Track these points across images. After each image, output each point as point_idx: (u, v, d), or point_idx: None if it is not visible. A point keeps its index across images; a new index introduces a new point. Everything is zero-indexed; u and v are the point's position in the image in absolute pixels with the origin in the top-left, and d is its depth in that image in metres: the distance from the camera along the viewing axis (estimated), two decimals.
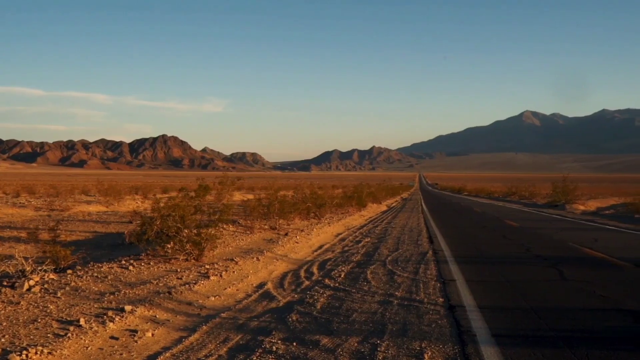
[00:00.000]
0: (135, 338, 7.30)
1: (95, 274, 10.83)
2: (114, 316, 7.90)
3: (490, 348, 6.93)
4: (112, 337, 7.26)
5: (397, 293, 10.30)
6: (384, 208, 47.44)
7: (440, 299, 9.79)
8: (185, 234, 12.99)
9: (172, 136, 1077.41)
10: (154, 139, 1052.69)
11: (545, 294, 10.27)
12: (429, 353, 6.81)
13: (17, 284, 9.50)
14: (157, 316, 8.33)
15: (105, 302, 8.81)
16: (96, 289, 9.72)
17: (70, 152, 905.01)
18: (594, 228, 26.06)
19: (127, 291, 9.55)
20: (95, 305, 8.55)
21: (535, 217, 35.05)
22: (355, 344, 7.16)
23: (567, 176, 52.24)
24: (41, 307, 8.28)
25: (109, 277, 10.67)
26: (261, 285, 11.27)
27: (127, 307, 8.32)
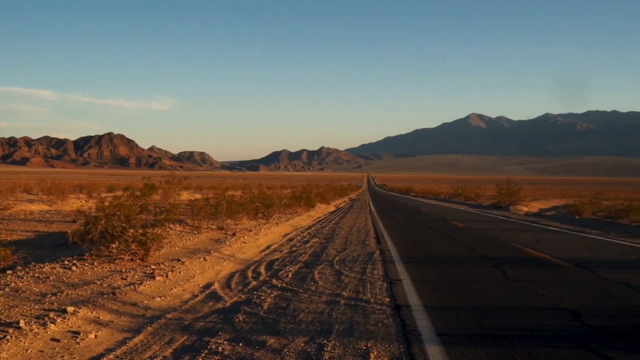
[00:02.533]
0: (78, 340, 7.15)
1: (37, 275, 10.58)
2: (55, 318, 7.72)
3: (435, 347, 7.03)
4: (53, 339, 7.10)
5: (344, 293, 10.35)
6: (333, 208, 47.60)
7: (387, 299, 9.87)
8: (130, 234, 12.79)
9: (119, 134, 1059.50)
10: (100, 137, 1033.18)
11: (489, 293, 10.46)
12: (375, 352, 6.86)
13: None
14: (101, 317, 8.19)
15: (47, 303, 8.61)
16: (37, 289, 9.50)
17: (12, 150, 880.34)
18: (536, 229, 26.66)
19: (69, 292, 9.35)
20: (36, 307, 8.35)
21: (481, 218, 35.66)
22: (302, 344, 7.17)
23: (511, 178, 53.37)
24: None
25: (51, 278, 10.44)
26: (208, 285, 11.18)
27: (70, 309, 8.15)
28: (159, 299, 9.58)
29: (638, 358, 6.69)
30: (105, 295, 9.23)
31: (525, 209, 45.01)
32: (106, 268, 11.84)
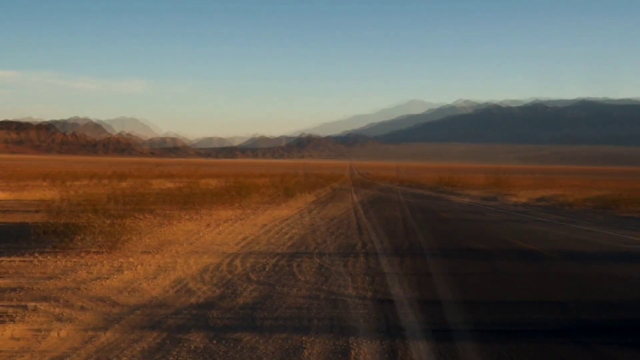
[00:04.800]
0: (40, 338, 7.04)
1: None
2: (15, 315, 7.61)
3: (418, 342, 7.03)
4: (12, 338, 6.98)
5: (324, 287, 10.31)
6: (313, 198, 47.50)
7: (369, 293, 9.85)
8: (97, 225, 12.64)
9: (86, 118, 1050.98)
10: (66, 121, 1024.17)
11: (476, 286, 10.50)
12: (357, 348, 6.83)
13: None
14: (65, 314, 8.06)
15: (6, 299, 8.49)
16: None
17: None
18: (525, 220, 26.84)
19: (31, 287, 9.22)
20: None
21: (468, 209, 35.81)
22: (280, 341, 7.12)
23: (500, 167, 53.69)
24: None
25: (11, 272, 10.30)
26: (180, 279, 11.07)
27: (31, 305, 8.04)
28: (127, 294, 9.47)
29: (627, 352, 6.74)
30: (69, 290, 9.12)
31: (514, 199, 45.32)
32: (71, 261, 11.69)
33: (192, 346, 6.90)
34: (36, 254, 12.02)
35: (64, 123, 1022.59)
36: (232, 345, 6.97)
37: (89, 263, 11.56)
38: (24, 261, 11.30)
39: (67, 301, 8.56)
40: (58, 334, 7.25)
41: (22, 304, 8.16)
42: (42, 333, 7.19)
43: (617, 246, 16.80)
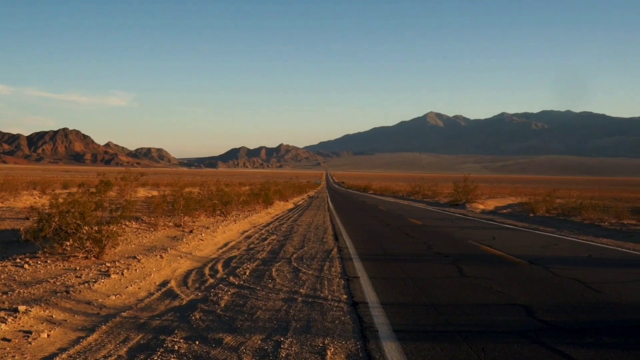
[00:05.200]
0: (30, 339, 7.01)
1: None
2: (6, 317, 7.56)
3: (391, 343, 7.09)
4: (3, 339, 6.94)
5: (301, 290, 10.36)
6: (291, 206, 47.57)
7: (344, 296, 9.92)
8: (85, 231, 12.58)
9: (74, 130, 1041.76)
10: (55, 133, 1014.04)
11: (445, 290, 10.58)
12: (332, 349, 6.89)
13: None
14: (54, 316, 8.04)
15: None
16: None
17: None
18: (492, 226, 27.08)
19: (21, 290, 9.16)
20: None
21: (438, 216, 36.04)
22: (259, 342, 7.16)
23: (468, 176, 54.17)
24: None
25: (2, 276, 10.22)
26: (164, 283, 11.07)
27: (21, 307, 7.98)
28: (114, 297, 9.45)
29: (588, 352, 6.84)
30: (58, 294, 9.07)
31: (481, 206, 45.68)
32: (60, 266, 11.63)
33: (176, 346, 6.92)
34: (27, 259, 11.93)
35: (53, 134, 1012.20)
36: (213, 345, 7.01)
37: (78, 267, 11.50)
38: (15, 265, 11.22)
39: (57, 304, 8.53)
40: (47, 335, 7.23)
41: (14, 306, 8.11)
42: (33, 334, 7.16)
43: (581, 252, 17.01)
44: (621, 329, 7.98)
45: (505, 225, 27.64)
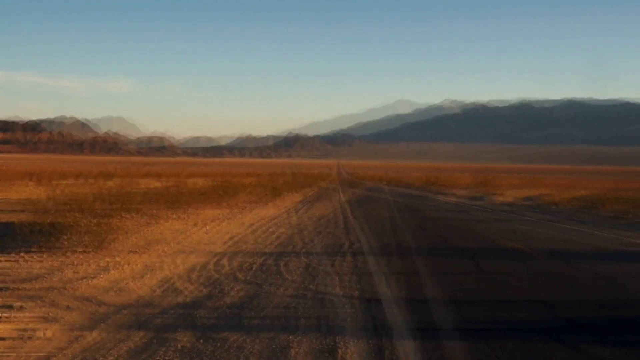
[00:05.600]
0: (26, 338, 7.00)
1: None
2: (1, 315, 7.56)
3: (405, 341, 7.05)
4: None
5: (311, 286, 10.33)
6: (300, 198, 47.45)
7: (356, 292, 9.88)
8: (83, 224, 12.59)
9: (72, 117, 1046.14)
10: (52, 120, 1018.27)
11: (462, 286, 10.55)
12: (344, 348, 6.84)
13: None
14: (51, 314, 8.03)
15: None
16: None
17: None
18: (511, 219, 26.97)
19: (16, 287, 9.17)
20: None
21: (455, 208, 35.91)
22: (267, 340, 7.12)
23: (487, 166, 53.94)
24: None
25: None
26: (167, 279, 11.04)
27: (17, 304, 7.99)
28: (113, 294, 9.44)
29: (612, 351, 6.79)
30: (55, 290, 9.07)
31: (500, 198, 45.49)
32: (57, 261, 11.63)
33: (179, 345, 6.89)
34: (22, 254, 11.95)
35: (50, 122, 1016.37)
36: (219, 344, 6.97)
37: (75, 262, 11.51)
38: (9, 261, 11.24)
39: (53, 301, 8.53)
40: (44, 334, 7.22)
41: (8, 303, 8.11)
42: (28, 333, 7.15)
43: (605, 246, 16.90)
44: None
45: (525, 218, 27.52)
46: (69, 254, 12.32)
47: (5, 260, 11.21)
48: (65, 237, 12.53)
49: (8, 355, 6.47)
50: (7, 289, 9.05)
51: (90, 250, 12.60)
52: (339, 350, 6.76)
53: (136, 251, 13.03)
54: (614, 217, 27.50)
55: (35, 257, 11.76)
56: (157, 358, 6.49)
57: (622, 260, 13.98)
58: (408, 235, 19.64)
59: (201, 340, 7.10)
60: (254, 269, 12.10)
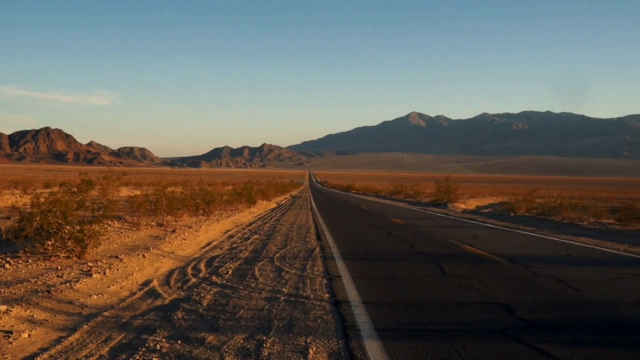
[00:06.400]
0: (10, 339, 6.94)
1: None
2: None
3: (373, 342, 7.10)
4: None
5: (284, 289, 10.35)
6: (274, 205, 47.51)
7: (326, 295, 9.92)
8: (67, 231, 12.48)
9: (56, 129, 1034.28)
10: (37, 132, 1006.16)
11: (426, 289, 10.63)
12: (314, 348, 6.89)
13: None
14: (35, 316, 7.96)
15: None
16: None
17: None
18: (473, 226, 27.23)
19: (2, 290, 9.07)
20: None
21: (420, 215, 36.16)
22: (241, 341, 7.14)
23: (450, 176, 54.45)
24: None
25: None
26: (146, 282, 11.01)
27: (2, 307, 7.90)
28: (95, 297, 9.39)
29: (567, 349, 6.90)
30: (39, 294, 8.99)
31: (462, 206, 45.92)
32: (41, 266, 11.53)
33: (158, 346, 6.88)
34: (8, 259, 11.83)
35: (35, 133, 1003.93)
36: (196, 345, 6.98)
37: (59, 267, 11.41)
38: None
39: (38, 304, 8.45)
40: (29, 335, 7.16)
41: None
42: (13, 334, 7.09)
43: (561, 251, 17.13)
44: (599, 326, 8.05)
45: (486, 225, 27.80)
46: (53, 259, 12.21)
47: None
48: (49, 242, 12.42)
49: None
50: None
51: (74, 255, 12.50)
52: (310, 350, 6.80)
53: (117, 256, 12.95)
54: (570, 223, 27.90)
55: (20, 261, 11.64)
56: (137, 357, 6.47)
57: (576, 265, 14.17)
58: (375, 240, 19.74)
59: (179, 341, 7.10)
60: (229, 273, 12.09)
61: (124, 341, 7.11)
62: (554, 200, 40.51)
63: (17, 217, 13.97)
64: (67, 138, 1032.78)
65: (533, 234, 22.57)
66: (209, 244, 17.71)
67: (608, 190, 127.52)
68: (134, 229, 19.00)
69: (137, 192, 42.91)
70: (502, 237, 21.28)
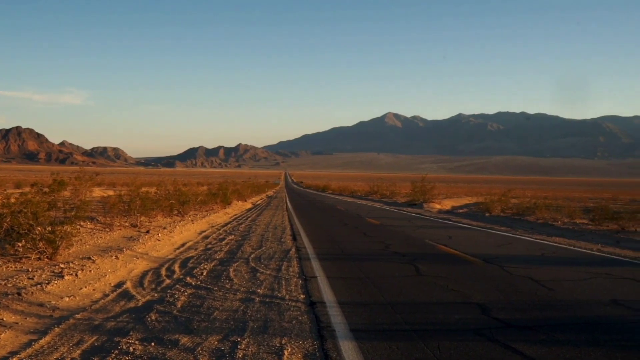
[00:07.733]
0: None
1: None
2: None
3: (348, 343, 7.10)
4: None
5: (259, 290, 10.32)
6: (249, 206, 47.38)
7: (302, 296, 9.91)
8: (38, 232, 12.33)
9: (28, 128, 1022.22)
10: (7, 131, 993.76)
11: (402, 289, 10.65)
12: (289, 349, 6.87)
13: None
14: (4, 319, 7.85)
15: None
16: None
17: None
18: (448, 226, 27.38)
19: None
20: None
21: (395, 216, 36.28)
22: (216, 343, 7.11)
23: (425, 176, 54.75)
24: None
25: None
26: (120, 284, 10.91)
27: None
28: (67, 299, 9.28)
29: (541, 349, 6.96)
30: (9, 296, 8.87)
31: (438, 206, 46.19)
32: (11, 267, 11.38)
33: (131, 348, 6.82)
34: None
35: (5, 133, 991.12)
36: (169, 347, 6.93)
37: (30, 269, 11.27)
38: None
39: (8, 306, 8.34)
40: None
41: None
42: None
43: (535, 251, 17.29)
44: (573, 325, 8.13)
45: (461, 225, 27.97)
46: (23, 260, 12.05)
47: None
48: (20, 244, 12.26)
49: None
50: None
51: (45, 257, 12.34)
52: (285, 351, 6.78)
53: (90, 257, 12.82)
54: (544, 223, 28.19)
55: None
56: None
57: (550, 265, 14.31)
58: (351, 241, 19.78)
59: (153, 343, 7.05)
60: (204, 274, 12.03)
61: (96, 344, 7.04)
62: (528, 201, 40.91)
63: None
64: (39, 138, 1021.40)
65: (508, 234, 22.77)
66: (183, 244, 17.60)
67: (582, 190, 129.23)
68: (107, 229, 18.82)
69: (111, 193, 42.54)
70: (477, 237, 21.43)
